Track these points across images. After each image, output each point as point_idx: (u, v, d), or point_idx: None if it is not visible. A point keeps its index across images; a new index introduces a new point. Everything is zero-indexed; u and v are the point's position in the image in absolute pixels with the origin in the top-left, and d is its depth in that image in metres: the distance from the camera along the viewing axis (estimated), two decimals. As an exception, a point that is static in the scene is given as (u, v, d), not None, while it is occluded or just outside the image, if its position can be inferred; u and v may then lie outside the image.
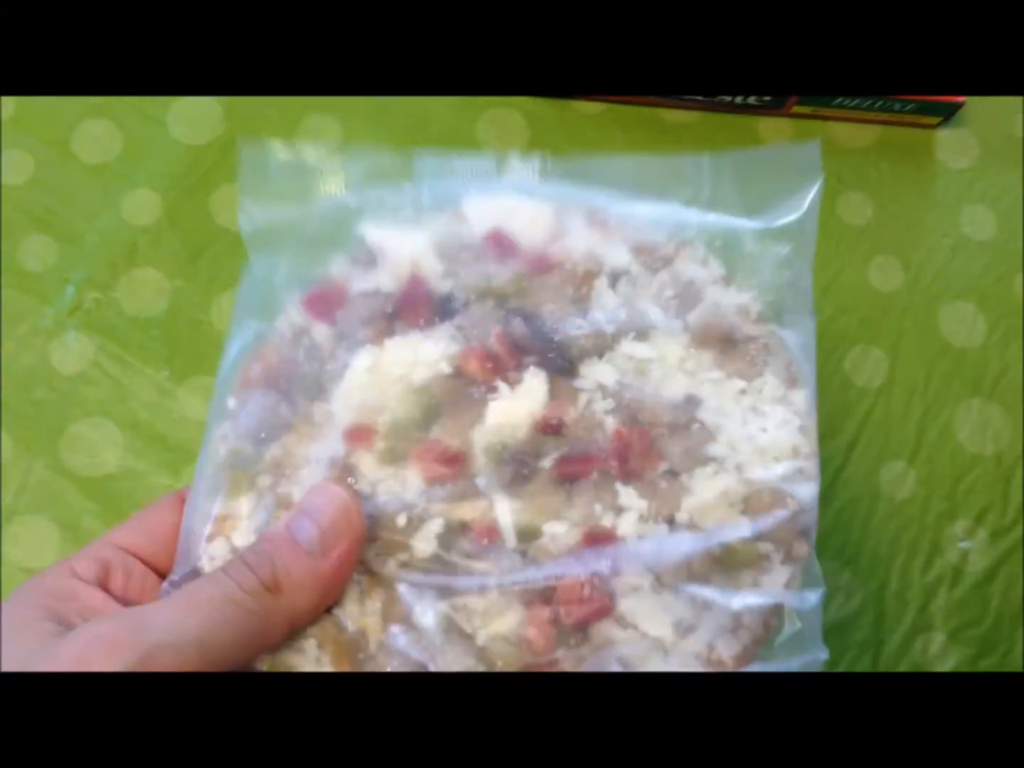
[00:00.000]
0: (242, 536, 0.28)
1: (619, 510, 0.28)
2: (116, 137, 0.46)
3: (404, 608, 0.27)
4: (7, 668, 0.24)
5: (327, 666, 0.27)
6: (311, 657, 0.27)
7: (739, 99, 0.46)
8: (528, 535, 0.28)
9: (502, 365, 0.29)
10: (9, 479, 0.41)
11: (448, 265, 0.31)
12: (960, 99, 0.45)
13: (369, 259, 0.32)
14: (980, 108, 0.49)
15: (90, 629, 0.24)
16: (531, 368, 0.29)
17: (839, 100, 0.45)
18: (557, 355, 0.29)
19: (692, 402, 0.29)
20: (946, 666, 0.40)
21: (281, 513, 0.28)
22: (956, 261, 0.46)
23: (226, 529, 0.29)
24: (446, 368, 0.29)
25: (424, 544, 0.28)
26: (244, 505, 0.29)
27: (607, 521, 0.27)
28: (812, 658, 0.27)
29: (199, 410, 0.42)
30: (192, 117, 0.47)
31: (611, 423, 0.28)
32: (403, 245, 0.31)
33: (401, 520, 0.28)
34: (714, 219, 0.31)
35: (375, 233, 0.32)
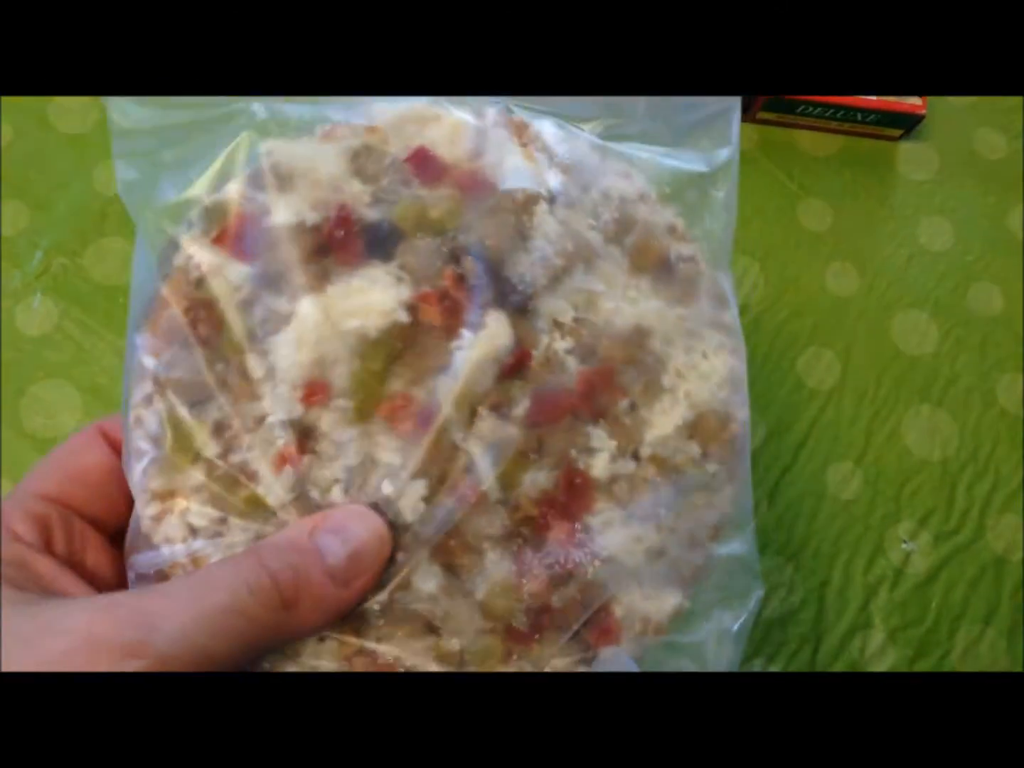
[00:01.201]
0: (196, 515, 0.27)
1: (591, 452, 0.28)
2: (92, 109, 0.47)
3: (402, 574, 0.27)
4: None
5: (329, 640, 0.26)
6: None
7: (705, 102, 0.47)
8: (509, 484, 0.28)
9: (460, 308, 0.28)
10: (-33, 437, 0.41)
11: (373, 189, 0.28)
12: (921, 112, 0.46)
13: (276, 182, 0.28)
14: (940, 123, 0.50)
15: (81, 624, 0.22)
16: (491, 312, 0.28)
17: (803, 108, 0.46)
18: (511, 291, 0.28)
19: (642, 332, 0.29)
20: (883, 665, 0.40)
21: (243, 480, 0.27)
22: (911, 270, 0.47)
23: (175, 506, 0.27)
24: (403, 316, 0.27)
25: (411, 508, 0.27)
26: (191, 478, 0.27)
27: (581, 463, 0.28)
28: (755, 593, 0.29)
29: (158, 378, 0.42)
30: (168, 93, 0.47)
31: (573, 363, 0.28)
32: (317, 166, 0.28)
33: (387, 488, 0.27)
34: (647, 155, 0.31)
35: (280, 150, 0.28)
